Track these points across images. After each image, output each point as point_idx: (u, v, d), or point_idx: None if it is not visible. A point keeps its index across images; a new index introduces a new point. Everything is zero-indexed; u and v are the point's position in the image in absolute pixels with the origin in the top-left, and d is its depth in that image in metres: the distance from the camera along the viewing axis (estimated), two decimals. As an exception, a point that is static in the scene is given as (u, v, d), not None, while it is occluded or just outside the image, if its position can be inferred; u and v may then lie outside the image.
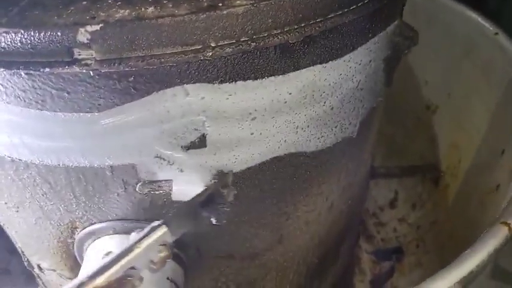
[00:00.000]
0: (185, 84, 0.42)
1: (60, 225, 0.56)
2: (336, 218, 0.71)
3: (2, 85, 0.42)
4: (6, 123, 0.45)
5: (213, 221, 0.46)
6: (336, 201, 0.68)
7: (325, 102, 0.52)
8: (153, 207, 0.52)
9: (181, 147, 0.47)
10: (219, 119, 0.46)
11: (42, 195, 0.53)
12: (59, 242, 0.60)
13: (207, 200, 0.46)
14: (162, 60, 0.39)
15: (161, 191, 0.50)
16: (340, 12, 0.44)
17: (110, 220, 0.54)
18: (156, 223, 0.43)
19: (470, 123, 0.91)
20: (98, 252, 0.54)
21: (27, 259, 0.70)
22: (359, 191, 0.77)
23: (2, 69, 0.39)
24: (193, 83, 0.42)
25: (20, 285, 1.03)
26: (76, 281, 0.37)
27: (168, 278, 0.53)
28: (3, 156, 0.49)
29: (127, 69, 0.38)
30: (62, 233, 0.58)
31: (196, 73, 0.42)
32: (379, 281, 1.11)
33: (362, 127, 0.62)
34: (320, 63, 0.48)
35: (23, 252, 0.70)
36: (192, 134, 0.46)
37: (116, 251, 0.50)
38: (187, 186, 0.51)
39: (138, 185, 0.49)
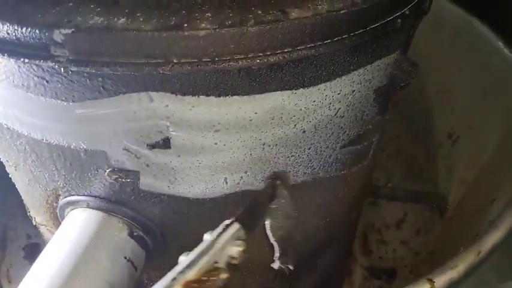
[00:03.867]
0: (149, 92, 0.45)
1: (47, 190, 0.63)
2: (310, 233, 0.73)
3: (-5, 65, 0.47)
4: (0, 96, 0.51)
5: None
6: (309, 216, 0.69)
7: (295, 125, 0.53)
8: (123, 192, 0.57)
9: (147, 145, 0.51)
10: (182, 126, 0.49)
11: (31, 162, 0.59)
12: (47, 204, 0.66)
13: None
14: (125, 68, 0.42)
15: (129, 180, 0.55)
16: (312, 44, 0.45)
17: (85, 195, 0.59)
18: (228, 221, 0.47)
19: (481, 162, 0.87)
20: (72, 221, 0.60)
21: (29, 211, 0.79)
22: (342, 211, 0.77)
23: (-8, 53, 0.44)
24: (157, 91, 0.45)
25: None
26: (169, 275, 0.42)
27: (125, 257, 0.58)
28: (1, 123, 0.56)
29: (93, 71, 0.42)
30: (48, 197, 0.64)
31: (160, 83, 0.45)
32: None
33: (344, 151, 0.63)
34: (289, 89, 0.49)
35: (25, 204, 0.78)
36: (157, 135, 0.49)
37: (88, 225, 0.56)
38: (153, 180, 0.55)
39: (107, 171, 0.54)
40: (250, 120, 0.50)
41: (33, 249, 1.18)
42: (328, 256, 0.87)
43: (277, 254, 0.58)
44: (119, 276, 0.57)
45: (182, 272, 0.42)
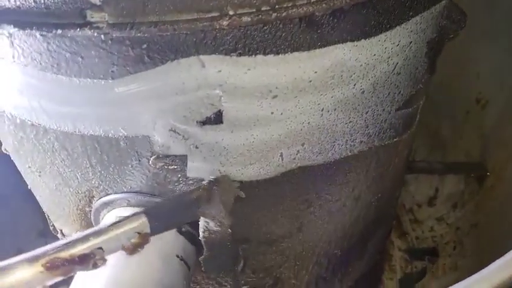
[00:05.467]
0: (201, 55, 0.40)
1: (79, 193, 0.57)
2: (363, 211, 0.67)
3: (19, 46, 0.41)
4: (25, 86, 0.45)
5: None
6: (363, 192, 0.64)
7: (355, 85, 0.48)
8: (168, 182, 0.51)
9: (197, 122, 0.45)
10: (236, 95, 0.43)
11: (61, 161, 0.53)
12: (77, 210, 0.60)
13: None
14: (176, 27, 0.36)
15: (175, 166, 0.49)
16: (376, -16, 0.40)
17: (125, 192, 0.53)
18: (138, 210, 0.42)
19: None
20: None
21: (53, 224, 0.72)
22: (391, 185, 0.72)
23: (16, 30, 0.38)
24: (209, 54, 0.40)
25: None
26: (40, 249, 0.38)
27: (178, 256, 0.52)
28: (24, 120, 0.50)
29: (139, 34, 0.37)
30: (80, 201, 0.58)
31: (212, 43, 0.39)
32: (408, 281, 1.06)
33: (398, 115, 0.58)
34: (351, 40, 0.44)
35: (48, 216, 0.71)
36: (208, 108, 0.44)
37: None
38: (202, 164, 0.49)
39: (151, 158, 0.48)
40: (310, 81, 0.45)
41: (52, 272, 1.11)
42: (376, 239, 0.82)
43: (204, 255, 0.54)
44: (173, 277, 0.51)
45: (56, 247, 0.39)
